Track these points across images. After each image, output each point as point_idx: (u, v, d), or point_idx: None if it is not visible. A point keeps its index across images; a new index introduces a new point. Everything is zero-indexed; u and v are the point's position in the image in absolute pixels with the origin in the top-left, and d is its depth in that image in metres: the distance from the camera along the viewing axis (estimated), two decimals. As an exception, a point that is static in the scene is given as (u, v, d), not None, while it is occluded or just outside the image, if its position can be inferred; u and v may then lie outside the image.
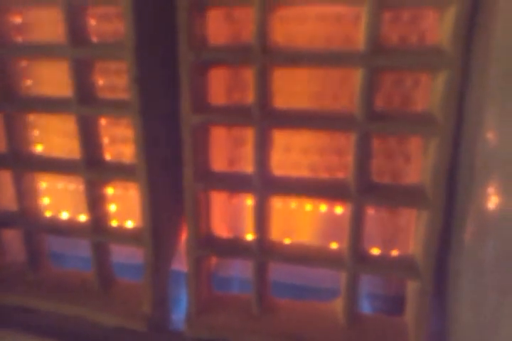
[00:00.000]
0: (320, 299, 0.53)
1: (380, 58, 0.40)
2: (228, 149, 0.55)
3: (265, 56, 0.42)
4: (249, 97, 0.53)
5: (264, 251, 0.48)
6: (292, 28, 0.48)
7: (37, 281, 0.57)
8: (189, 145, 0.46)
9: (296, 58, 0.41)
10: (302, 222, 0.55)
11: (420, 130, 0.41)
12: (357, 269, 0.46)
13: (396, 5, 0.39)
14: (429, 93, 0.44)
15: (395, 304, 0.56)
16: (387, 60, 0.40)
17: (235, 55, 0.43)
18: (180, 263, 0.57)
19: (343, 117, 0.43)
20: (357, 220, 0.44)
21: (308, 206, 0.55)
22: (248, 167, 0.55)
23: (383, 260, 0.47)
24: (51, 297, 0.55)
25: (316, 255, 0.48)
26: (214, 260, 0.53)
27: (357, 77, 0.41)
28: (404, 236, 0.51)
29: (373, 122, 0.41)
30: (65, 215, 0.59)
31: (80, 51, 0.46)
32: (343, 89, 0.49)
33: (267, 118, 0.44)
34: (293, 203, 0.55)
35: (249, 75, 0.51)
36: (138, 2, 0.43)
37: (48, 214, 0.58)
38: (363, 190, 0.43)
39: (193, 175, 0.47)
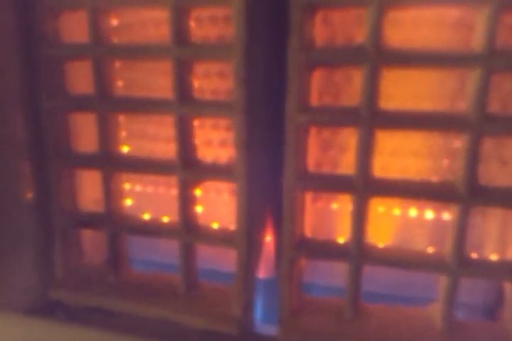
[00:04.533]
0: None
1: (499, 60, 0.40)
2: (316, 151, 0.55)
3: (378, 56, 0.42)
4: (340, 100, 0.53)
5: (362, 253, 0.47)
6: (395, 30, 0.48)
7: (118, 283, 0.57)
8: (292, 146, 0.46)
9: (410, 59, 0.42)
10: (389, 226, 0.54)
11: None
12: (460, 273, 0.45)
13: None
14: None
15: (481, 312, 0.55)
16: (507, 62, 0.40)
17: (345, 56, 0.43)
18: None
19: (455, 119, 0.43)
20: (464, 223, 0.44)
21: (396, 210, 0.54)
22: (335, 170, 0.56)
23: (485, 264, 0.46)
24: (134, 298, 0.55)
25: (416, 259, 0.47)
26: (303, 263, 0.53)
27: (473, 78, 0.41)
28: (497, 240, 0.51)
29: (488, 124, 0.41)
30: (146, 217, 0.59)
31: (186, 51, 0.47)
32: (442, 91, 0.49)
33: (374, 118, 0.44)
34: (380, 207, 0.55)
35: (341, 78, 0.52)
36: (249, 3, 0.44)
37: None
38: (472, 192, 0.43)
39: (293, 176, 0.47)
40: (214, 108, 0.48)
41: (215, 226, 0.56)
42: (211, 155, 0.59)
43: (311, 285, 0.59)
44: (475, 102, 0.41)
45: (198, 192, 0.54)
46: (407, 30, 0.49)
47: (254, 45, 0.46)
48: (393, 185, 0.46)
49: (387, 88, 0.49)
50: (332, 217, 0.56)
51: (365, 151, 0.45)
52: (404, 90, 0.50)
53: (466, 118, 0.42)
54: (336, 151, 0.54)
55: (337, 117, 0.45)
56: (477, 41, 0.41)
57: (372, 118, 0.44)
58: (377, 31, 0.42)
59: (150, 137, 0.60)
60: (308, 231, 0.55)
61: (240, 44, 0.44)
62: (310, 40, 0.45)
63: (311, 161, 0.55)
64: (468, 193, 0.43)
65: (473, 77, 0.41)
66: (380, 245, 0.51)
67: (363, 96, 0.44)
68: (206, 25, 0.55)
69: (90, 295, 0.57)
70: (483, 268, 0.46)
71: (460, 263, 0.45)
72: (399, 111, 0.45)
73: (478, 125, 0.41)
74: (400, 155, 0.52)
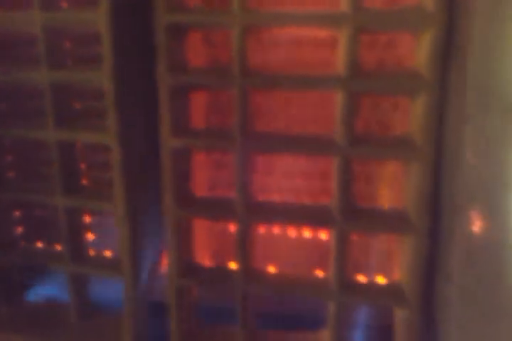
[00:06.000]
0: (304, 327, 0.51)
1: (359, 82, 0.39)
2: (208, 173, 0.54)
3: (244, 79, 0.41)
4: (229, 121, 0.53)
5: (248, 280, 0.46)
6: (268, 52, 0.48)
7: (9, 314, 0.54)
8: (168, 170, 0.45)
9: (275, 81, 0.41)
10: (285, 248, 0.53)
11: (400, 154, 0.41)
12: (344, 298, 0.44)
13: (372, 29, 0.39)
14: (407, 117, 0.44)
15: (387, 334, 0.54)
16: (366, 84, 0.40)
17: (214, 78, 0.42)
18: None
19: (325, 141, 0.42)
20: (341, 247, 0.43)
21: (291, 232, 0.53)
22: (230, 191, 0.55)
23: (370, 288, 0.46)
24: (24, 331, 0.52)
25: (302, 284, 0.46)
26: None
27: (336, 100, 0.40)
28: (388, 261, 0.50)
29: (354, 147, 0.41)
30: (40, 244, 0.56)
31: (57, 75, 0.46)
32: (321, 113, 0.48)
33: (247, 142, 0.43)
34: (276, 229, 0.54)
35: (227, 99, 0.52)
36: (116, 25, 0.43)
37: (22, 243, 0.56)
38: (346, 215, 0.42)
39: (173, 202, 0.45)
40: (90, 133, 0.47)
41: (107, 254, 0.54)
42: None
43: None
44: (341, 125, 0.41)
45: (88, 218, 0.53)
46: (284, 50, 0.48)
47: (126, 67, 0.44)
48: (276, 209, 0.45)
49: (270, 109, 0.49)
50: (230, 240, 0.55)
51: (241, 175, 0.44)
52: (286, 111, 0.49)
53: (335, 141, 0.42)
54: (229, 171, 0.53)
55: (212, 141, 0.44)
56: (338, 62, 0.40)
57: (245, 142, 0.43)
58: (242, 54, 0.41)
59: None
60: (205, 255, 0.54)
61: (109, 65, 0.43)
62: (180, 62, 0.44)
63: (204, 184, 0.54)
64: (342, 217, 0.42)
65: (336, 100, 0.40)
66: (272, 270, 0.50)
67: (235, 119, 0.43)
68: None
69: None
70: (368, 292, 0.45)
71: (343, 288, 0.44)
72: (272, 133, 0.44)
73: (345, 148, 0.41)
74: (290, 176, 0.52)
